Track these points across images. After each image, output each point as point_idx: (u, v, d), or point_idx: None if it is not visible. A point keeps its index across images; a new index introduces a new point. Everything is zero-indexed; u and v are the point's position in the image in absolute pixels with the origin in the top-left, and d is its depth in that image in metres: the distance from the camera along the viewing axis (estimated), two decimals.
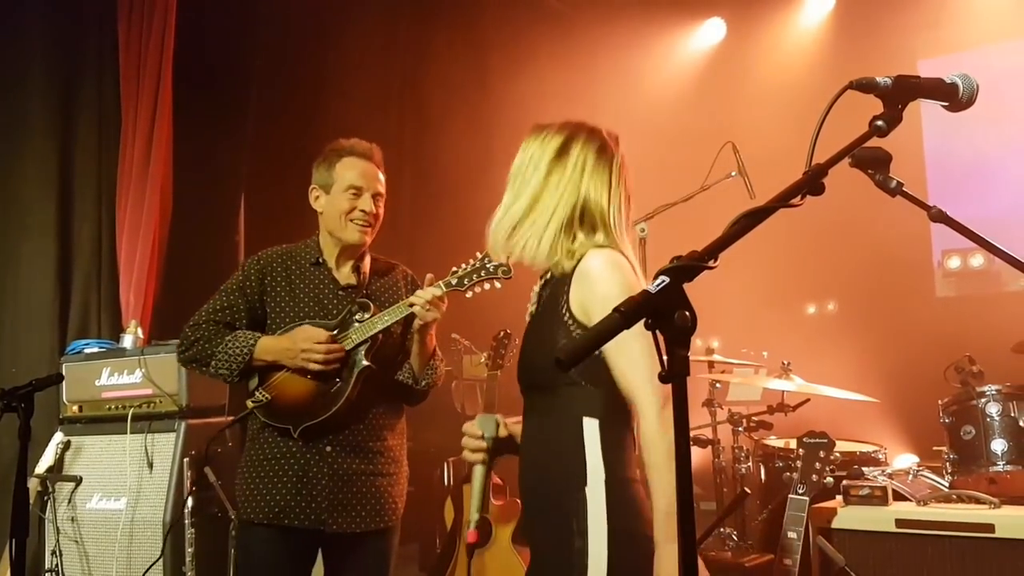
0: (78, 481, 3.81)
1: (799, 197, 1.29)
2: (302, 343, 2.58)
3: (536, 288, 1.99)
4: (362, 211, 2.71)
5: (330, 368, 2.58)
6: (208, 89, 4.88)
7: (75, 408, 3.95)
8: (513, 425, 1.98)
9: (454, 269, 2.64)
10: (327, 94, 5.69)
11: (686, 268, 1.13)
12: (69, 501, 3.81)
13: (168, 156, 4.60)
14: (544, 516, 1.82)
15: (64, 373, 3.89)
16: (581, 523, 1.74)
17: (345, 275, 2.78)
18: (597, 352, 1.71)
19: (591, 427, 1.79)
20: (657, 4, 6.49)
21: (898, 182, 1.53)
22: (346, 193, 2.71)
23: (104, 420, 3.85)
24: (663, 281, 1.11)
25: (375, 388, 2.67)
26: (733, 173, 3.89)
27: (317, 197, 2.77)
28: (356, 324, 2.64)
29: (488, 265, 2.62)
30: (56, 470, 3.86)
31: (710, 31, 6.79)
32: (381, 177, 2.80)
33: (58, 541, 3.76)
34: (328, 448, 2.61)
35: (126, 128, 4.61)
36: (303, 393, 2.62)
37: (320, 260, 2.77)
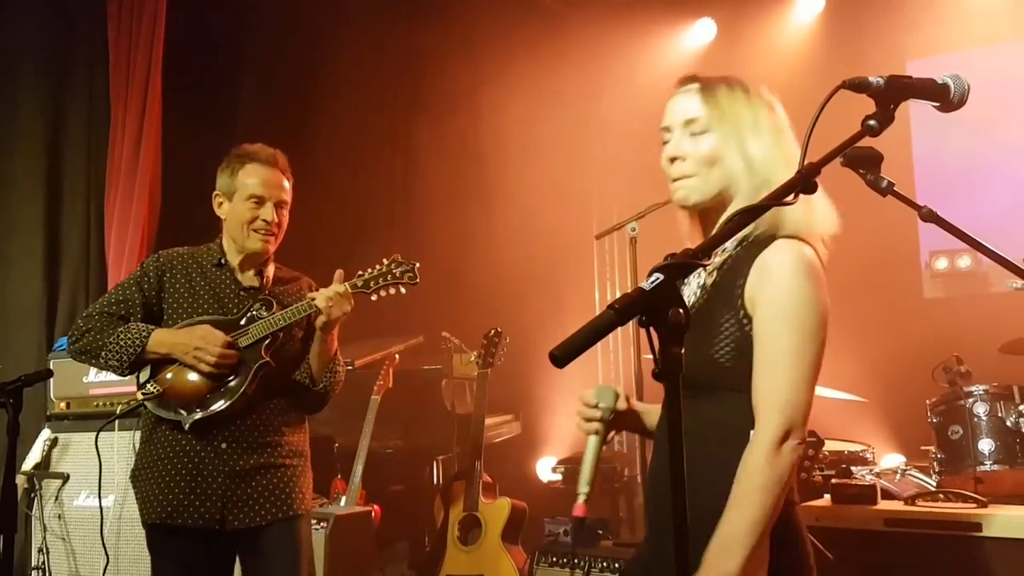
0: (65, 478, 3.80)
1: (792, 195, 1.30)
2: (198, 340, 2.54)
3: (707, 269, 1.75)
4: (264, 221, 2.67)
5: (220, 371, 2.54)
6: (198, 86, 4.87)
7: (62, 405, 3.93)
8: (637, 403, 1.86)
9: (360, 272, 2.69)
10: (318, 91, 5.68)
11: (680, 265, 1.14)
12: (56, 498, 3.80)
13: (157, 153, 4.59)
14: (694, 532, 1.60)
15: (52, 370, 3.87)
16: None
17: (248, 278, 2.75)
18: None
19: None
20: (648, 4, 6.50)
21: (889, 182, 1.54)
22: (248, 202, 2.67)
23: (91, 417, 3.83)
24: (657, 278, 1.12)
25: (274, 387, 2.65)
26: None
27: (220, 204, 2.74)
28: (258, 320, 2.62)
29: (395, 270, 2.68)
30: (43, 467, 3.84)
31: (701, 31, 6.80)
32: (286, 184, 2.75)
33: (45, 538, 3.75)
34: (223, 445, 2.57)
35: (115, 125, 4.59)
36: (197, 386, 2.57)
37: (223, 261, 2.74)
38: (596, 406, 1.78)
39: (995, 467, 3.51)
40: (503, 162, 5.69)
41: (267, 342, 2.60)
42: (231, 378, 2.57)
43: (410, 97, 6.30)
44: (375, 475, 4.53)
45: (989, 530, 2.74)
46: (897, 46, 5.85)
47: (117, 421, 3.65)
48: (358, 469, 4.26)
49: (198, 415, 2.55)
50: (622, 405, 1.80)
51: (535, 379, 5.61)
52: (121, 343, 2.56)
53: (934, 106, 1.49)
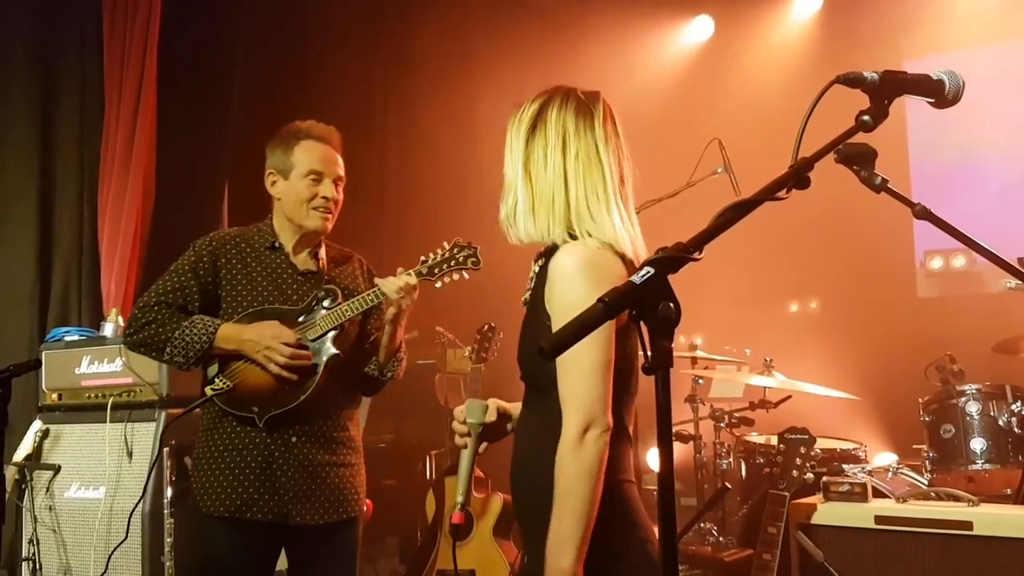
0: (56, 469, 3.78)
1: (785, 190, 1.29)
2: (269, 340, 2.48)
3: (534, 268, 1.87)
4: (324, 197, 2.60)
5: (289, 374, 2.49)
6: (192, 77, 4.85)
7: (54, 396, 3.92)
8: (513, 408, 1.94)
9: (423, 258, 2.60)
10: (311, 82, 5.67)
11: (671, 259, 1.13)
12: (47, 490, 3.78)
13: (151, 144, 4.57)
14: (531, 519, 1.77)
15: (43, 360, 3.85)
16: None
17: (303, 260, 2.67)
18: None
19: None
20: (645, 1, 6.49)
21: (883, 178, 1.53)
22: (306, 179, 2.60)
23: (83, 408, 3.81)
24: (648, 272, 1.11)
25: (338, 378, 2.60)
26: (719, 170, 3.89)
27: (275, 182, 2.65)
28: (324, 311, 2.56)
29: (458, 255, 2.59)
30: (34, 458, 3.83)
31: (698, 28, 6.79)
32: (340, 161, 2.69)
33: (35, 530, 3.73)
34: (294, 439, 2.53)
35: (109, 115, 4.57)
36: (267, 381, 2.52)
37: (276, 244, 2.66)
38: (464, 422, 1.88)
39: (987, 466, 3.53)
40: (499, 158, 5.68)
41: (335, 334, 2.54)
42: (301, 373, 2.51)
43: (404, 89, 6.30)
44: (368, 469, 4.51)
45: (980, 529, 2.74)
46: (893, 45, 5.86)
47: (108, 412, 3.66)
48: None
49: (272, 411, 2.49)
50: (491, 418, 1.89)
51: None
52: (187, 338, 2.49)
53: (929, 102, 1.49)
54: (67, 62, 4.70)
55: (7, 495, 2.67)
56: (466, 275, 2.60)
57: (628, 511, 1.74)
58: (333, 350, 2.54)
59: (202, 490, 2.56)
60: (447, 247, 2.60)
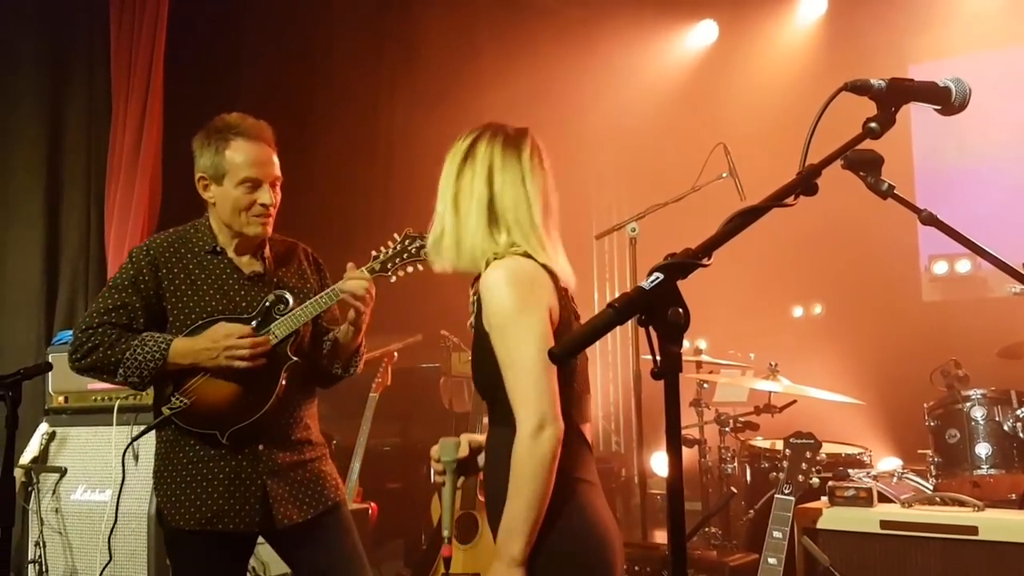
0: (63, 472, 3.79)
1: (792, 197, 1.30)
2: (224, 340, 2.38)
3: (471, 295, 1.95)
4: (262, 205, 2.47)
5: (256, 364, 2.40)
6: (199, 79, 4.87)
7: (61, 399, 3.93)
8: (484, 439, 2.01)
9: (374, 253, 2.52)
10: (318, 84, 5.68)
11: (680, 265, 1.14)
12: (53, 492, 3.79)
13: (158, 146, 4.58)
14: (498, 519, 1.83)
15: (51, 363, 3.87)
16: None
17: (247, 263, 2.56)
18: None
19: None
20: (649, 5, 6.50)
21: (889, 184, 1.54)
22: (241, 187, 2.45)
23: (90, 411, 3.83)
24: (657, 278, 1.12)
25: (298, 380, 2.54)
26: (724, 174, 3.91)
27: (207, 186, 2.51)
28: (278, 318, 2.46)
29: (410, 247, 2.51)
30: (41, 461, 3.84)
31: (702, 33, 6.80)
32: (275, 159, 2.52)
33: (42, 532, 3.74)
34: (260, 446, 2.46)
35: (116, 117, 4.59)
36: (226, 395, 2.43)
37: (217, 248, 2.53)
38: (439, 460, 1.98)
39: (992, 471, 3.52)
40: None
41: (291, 340, 2.46)
42: (260, 379, 2.43)
43: (408, 92, 6.31)
44: (372, 472, 4.54)
45: (985, 534, 2.74)
46: (898, 50, 5.86)
47: (115, 415, 3.67)
48: (355, 466, 4.26)
49: (234, 427, 2.41)
50: (463, 453, 2.00)
51: None
52: (138, 358, 2.38)
53: (935, 109, 1.49)
54: (75, 66, 4.72)
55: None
56: (420, 267, 2.51)
57: (578, 509, 1.78)
58: (292, 358, 2.47)
59: (167, 503, 2.47)
60: (398, 239, 2.52)
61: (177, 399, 2.43)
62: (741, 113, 5.98)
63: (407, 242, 2.52)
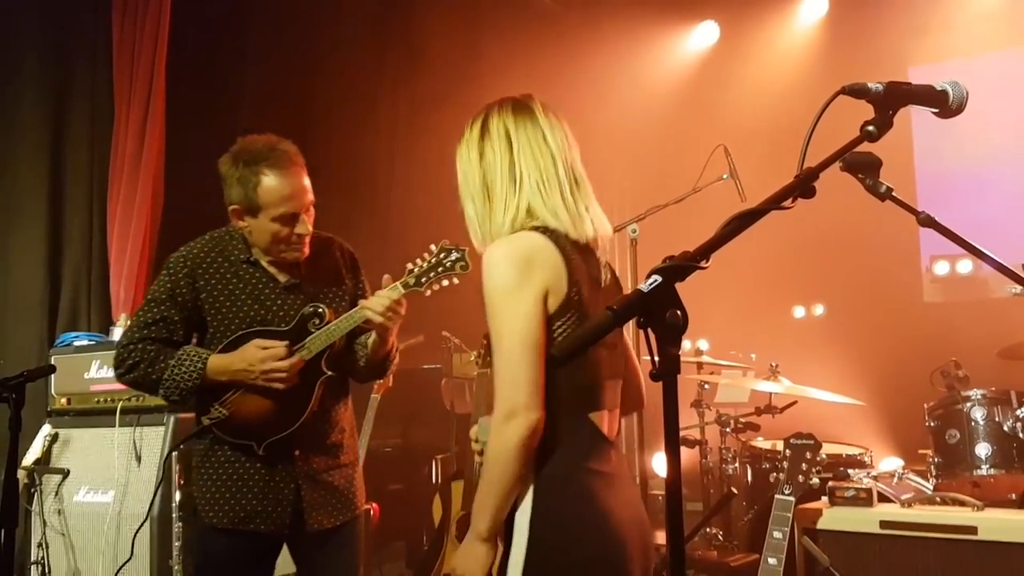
0: (65, 474, 3.81)
1: (790, 200, 1.31)
2: (260, 363, 2.41)
3: None
4: (299, 235, 2.47)
5: (292, 384, 2.45)
6: (201, 81, 4.88)
7: (63, 401, 3.94)
8: None
9: (410, 267, 2.46)
10: (320, 87, 5.69)
11: (678, 268, 1.15)
12: (56, 493, 3.80)
13: (160, 148, 4.59)
14: None
15: (55, 365, 3.88)
16: (510, 518, 1.76)
17: (282, 272, 2.57)
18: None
19: None
20: (650, 6, 6.51)
21: (888, 187, 1.54)
22: (278, 221, 2.43)
23: (92, 413, 3.84)
24: (655, 280, 1.13)
25: (332, 385, 2.57)
26: (725, 176, 3.91)
27: (240, 216, 2.48)
28: (313, 331, 2.47)
29: (445, 260, 2.44)
30: (43, 462, 3.85)
31: (703, 34, 6.81)
32: (307, 182, 2.49)
33: (44, 533, 3.75)
34: (296, 451, 2.51)
35: (119, 120, 4.60)
36: (262, 409, 2.48)
37: (251, 259, 2.55)
38: (477, 440, 1.97)
39: (992, 471, 3.53)
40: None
41: (325, 354, 2.48)
42: (295, 392, 2.46)
43: (409, 94, 6.32)
44: (374, 474, 4.52)
45: (984, 533, 2.75)
46: (899, 51, 5.87)
47: (118, 416, 3.68)
48: None
49: (270, 439, 2.46)
50: None
51: None
52: (176, 378, 2.43)
53: (933, 112, 1.50)
54: (77, 67, 4.73)
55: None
56: (455, 280, 2.46)
57: (576, 499, 1.75)
58: (326, 372, 2.49)
59: (203, 501, 2.54)
60: (434, 251, 2.47)
61: (216, 410, 2.49)
62: (742, 114, 5.99)
63: (442, 255, 2.45)
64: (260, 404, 2.47)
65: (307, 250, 2.54)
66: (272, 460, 2.49)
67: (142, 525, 3.32)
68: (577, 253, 1.80)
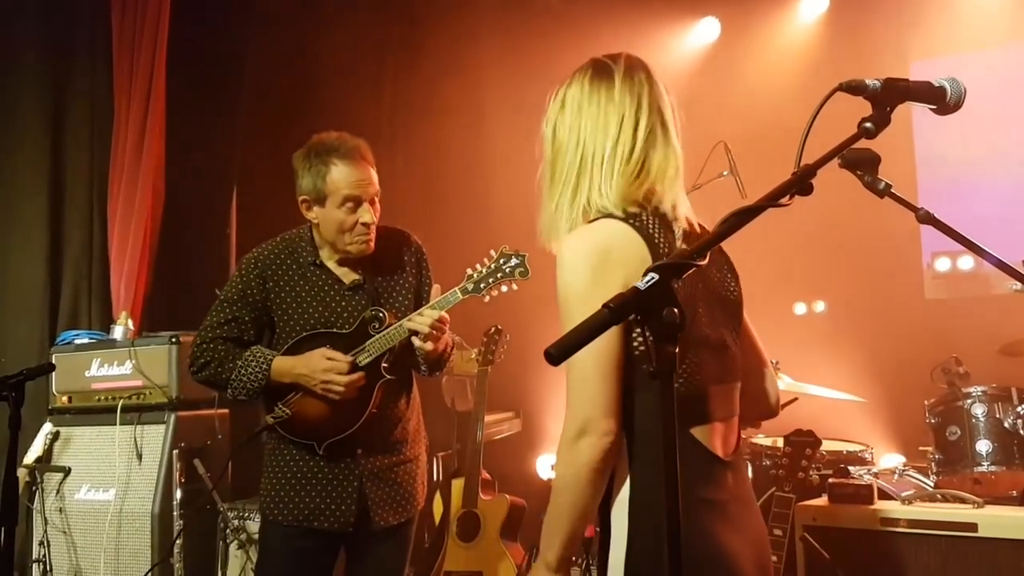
0: (67, 472, 3.82)
1: (787, 197, 1.31)
2: (321, 374, 2.47)
3: None
4: (364, 224, 2.54)
5: (351, 397, 2.50)
6: (201, 80, 4.88)
7: (64, 399, 3.95)
8: None
9: (469, 272, 2.49)
10: (320, 86, 5.68)
11: (675, 266, 1.15)
12: (57, 492, 3.81)
13: (160, 147, 4.60)
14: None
15: (54, 364, 3.88)
16: (606, 536, 1.62)
17: (347, 272, 2.64)
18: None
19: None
20: (651, 2, 6.49)
21: (886, 183, 1.54)
22: (343, 208, 2.51)
23: (93, 411, 3.84)
24: (652, 278, 1.12)
25: (394, 386, 2.60)
26: (725, 172, 3.91)
27: (309, 207, 2.57)
28: (372, 336, 2.52)
29: (504, 266, 2.47)
30: (45, 460, 3.86)
31: (704, 30, 6.79)
32: (374, 175, 2.59)
33: (46, 531, 3.76)
34: (359, 449, 2.56)
35: (119, 118, 4.60)
36: (322, 411, 2.53)
37: (318, 261, 2.63)
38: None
39: (993, 468, 3.52)
40: (503, 160, 5.70)
41: (385, 357, 2.52)
42: (354, 400, 2.51)
43: (409, 92, 6.32)
44: None
45: (985, 531, 2.74)
46: (901, 47, 5.85)
47: (118, 414, 3.69)
48: None
49: (330, 440, 2.52)
50: None
51: (536, 377, 5.62)
52: (243, 378, 2.52)
53: (931, 109, 1.49)
54: (77, 67, 4.73)
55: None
56: (515, 286, 2.48)
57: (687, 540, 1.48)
58: (385, 375, 2.53)
59: (268, 498, 2.61)
60: (494, 256, 2.48)
61: (280, 409, 2.56)
62: (742, 111, 5.97)
63: (502, 261, 2.48)
64: (321, 406, 2.53)
65: (373, 244, 2.58)
66: (334, 459, 2.55)
67: (181, 532, 3.33)
68: (667, 235, 1.62)
